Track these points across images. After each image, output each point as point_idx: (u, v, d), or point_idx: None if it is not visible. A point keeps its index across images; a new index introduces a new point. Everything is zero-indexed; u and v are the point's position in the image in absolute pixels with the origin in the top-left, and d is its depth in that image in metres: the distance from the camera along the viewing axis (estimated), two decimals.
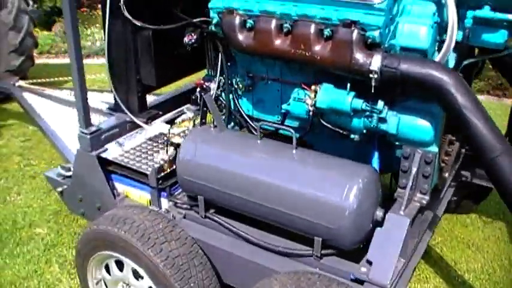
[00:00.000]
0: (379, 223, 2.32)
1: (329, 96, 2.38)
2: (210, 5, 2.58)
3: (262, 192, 2.41)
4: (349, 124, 2.43)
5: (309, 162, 2.43)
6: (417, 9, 2.23)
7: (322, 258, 2.39)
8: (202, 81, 2.92)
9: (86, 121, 2.87)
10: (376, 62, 2.17)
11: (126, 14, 2.77)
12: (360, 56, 2.21)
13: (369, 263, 2.30)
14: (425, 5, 2.22)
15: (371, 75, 2.19)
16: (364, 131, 2.44)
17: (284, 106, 2.64)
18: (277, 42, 2.40)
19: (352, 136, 2.47)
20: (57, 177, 3.17)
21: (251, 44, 2.48)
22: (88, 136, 2.86)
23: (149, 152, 2.99)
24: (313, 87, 2.45)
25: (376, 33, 2.20)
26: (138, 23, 2.83)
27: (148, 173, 2.78)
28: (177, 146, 2.81)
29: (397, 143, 2.43)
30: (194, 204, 2.74)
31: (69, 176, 3.11)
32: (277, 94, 2.79)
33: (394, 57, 2.17)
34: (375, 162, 2.56)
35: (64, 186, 3.13)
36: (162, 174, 2.80)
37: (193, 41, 2.77)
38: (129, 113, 2.99)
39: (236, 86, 2.85)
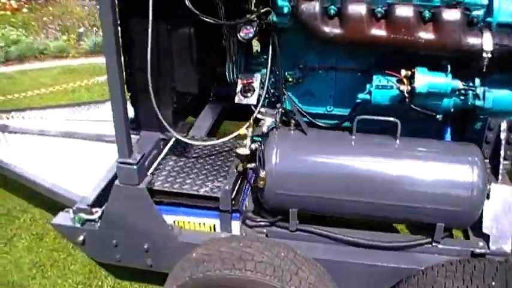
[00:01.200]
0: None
1: (428, 79, 2.30)
2: None
3: (378, 190, 2.27)
4: (440, 105, 2.40)
5: (418, 149, 2.35)
6: None
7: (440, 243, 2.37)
8: (248, 80, 2.58)
9: (128, 149, 2.30)
10: (487, 41, 2.16)
11: (188, 3, 2.22)
12: (469, 37, 2.18)
13: (483, 236, 2.37)
14: None
15: (484, 55, 2.18)
16: (452, 110, 2.44)
17: (361, 95, 2.45)
18: (372, 28, 2.22)
19: (438, 116, 2.45)
20: (73, 223, 2.51)
21: (340, 33, 2.25)
22: (134, 167, 2.31)
23: (200, 171, 2.55)
24: (403, 72, 2.34)
25: (480, 13, 2.19)
26: (211, 19, 2.33)
27: (219, 195, 2.38)
28: (246, 159, 2.45)
29: (482, 116, 2.49)
30: (276, 220, 2.48)
31: (93, 220, 2.50)
32: (330, 83, 2.63)
33: (502, 35, 2.19)
34: (448, 137, 2.59)
35: (84, 233, 2.51)
36: (235, 194, 2.43)
37: (251, 35, 2.39)
38: (172, 131, 2.46)
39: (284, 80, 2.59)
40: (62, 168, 2.94)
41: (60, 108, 3.77)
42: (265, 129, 2.40)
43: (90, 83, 4.14)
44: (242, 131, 2.51)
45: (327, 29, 2.25)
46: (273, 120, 2.45)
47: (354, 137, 2.36)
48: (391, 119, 2.33)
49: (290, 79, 2.60)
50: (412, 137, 2.42)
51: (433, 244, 2.37)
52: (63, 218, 2.55)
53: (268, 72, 2.55)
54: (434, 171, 2.26)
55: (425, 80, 2.30)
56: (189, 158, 2.67)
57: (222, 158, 2.69)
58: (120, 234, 2.48)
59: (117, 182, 2.39)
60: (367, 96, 2.45)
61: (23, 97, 4.04)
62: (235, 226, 2.48)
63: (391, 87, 2.39)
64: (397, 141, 2.34)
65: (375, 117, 2.35)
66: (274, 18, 2.35)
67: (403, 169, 2.28)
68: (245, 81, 2.58)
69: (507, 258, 2.27)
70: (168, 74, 2.52)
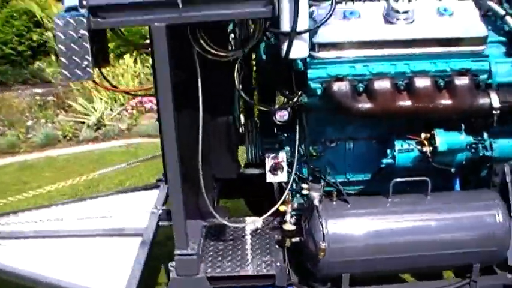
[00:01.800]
0: None
1: (447, 138, 2.58)
2: (310, 76, 2.46)
3: (424, 243, 2.50)
4: (455, 159, 2.68)
5: (449, 202, 2.61)
6: (501, 50, 2.65)
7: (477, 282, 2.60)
8: (276, 159, 2.71)
9: (187, 240, 2.32)
10: (495, 100, 2.50)
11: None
12: (480, 98, 2.50)
13: (509, 269, 2.64)
14: (505, 46, 2.66)
15: (494, 112, 2.51)
16: (464, 162, 2.73)
17: (385, 160, 2.67)
18: (397, 100, 2.48)
19: (452, 169, 2.73)
20: None
21: (370, 107, 2.47)
22: (194, 257, 2.33)
23: (244, 251, 2.61)
24: (423, 135, 2.61)
25: (485, 76, 2.53)
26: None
27: (274, 273, 2.45)
28: (291, 234, 2.56)
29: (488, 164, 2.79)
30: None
31: None
32: (347, 153, 2.83)
33: (505, 93, 2.53)
34: (458, 185, 2.87)
35: None
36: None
37: (285, 117, 2.56)
38: (219, 217, 2.50)
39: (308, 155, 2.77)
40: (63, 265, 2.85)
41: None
42: (316, 202, 2.52)
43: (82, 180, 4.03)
44: (282, 207, 2.63)
45: (358, 105, 2.47)
46: (320, 194, 2.58)
47: (391, 199, 2.57)
48: (424, 178, 2.57)
49: (314, 153, 2.78)
50: (438, 192, 2.67)
51: (471, 283, 2.60)
52: None
53: (296, 151, 2.70)
54: (467, 219, 2.54)
55: (444, 139, 2.58)
56: (227, 239, 2.72)
57: (258, 235, 2.77)
58: None
59: (174, 275, 2.38)
60: (391, 161, 2.67)
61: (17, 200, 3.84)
62: None
63: (413, 149, 2.65)
64: (428, 197, 2.59)
65: (409, 179, 2.59)
66: (305, 100, 2.55)
67: (442, 221, 2.53)
68: (274, 161, 2.71)
69: None
70: (208, 162, 2.60)
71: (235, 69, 2.44)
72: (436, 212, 2.55)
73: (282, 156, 2.74)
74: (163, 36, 2.04)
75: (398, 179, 2.57)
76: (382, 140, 2.76)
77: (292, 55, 2.28)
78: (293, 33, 2.19)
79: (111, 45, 5.76)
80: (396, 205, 2.56)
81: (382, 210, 2.56)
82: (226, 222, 2.59)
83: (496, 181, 2.78)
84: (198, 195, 2.59)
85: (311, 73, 2.46)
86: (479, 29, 2.46)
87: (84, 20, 2.03)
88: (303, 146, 2.72)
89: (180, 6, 1.97)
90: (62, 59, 2.07)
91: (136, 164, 4.35)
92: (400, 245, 2.48)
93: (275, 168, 2.72)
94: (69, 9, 2.09)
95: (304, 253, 2.58)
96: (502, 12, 2.64)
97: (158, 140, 2.62)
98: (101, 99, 6.73)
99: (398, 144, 2.67)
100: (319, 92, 2.49)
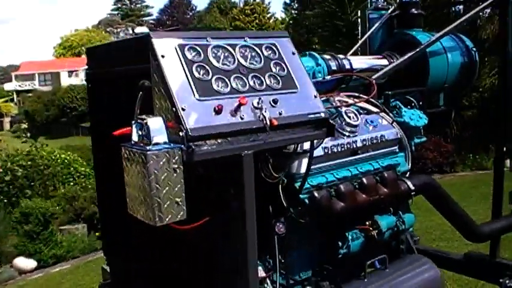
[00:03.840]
0: None
1: (387, 222, 3.20)
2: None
3: None
4: (389, 236, 3.31)
5: (405, 270, 3.21)
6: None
7: None
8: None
9: None
10: (410, 184, 3.27)
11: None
12: (402, 185, 3.23)
13: None
14: None
15: (412, 193, 3.26)
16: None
17: (342, 251, 3.08)
18: (358, 197, 2.98)
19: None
20: None
21: (343, 207, 2.89)
22: None
23: None
24: (367, 223, 3.16)
25: (403, 168, 3.30)
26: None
27: None
28: None
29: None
30: None
31: None
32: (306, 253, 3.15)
33: (413, 178, 3.33)
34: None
35: None
36: None
37: (283, 230, 2.71)
38: None
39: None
40: None
41: None
42: None
43: None
44: None
45: (336, 206, 2.87)
46: None
47: (369, 279, 3.04)
48: (382, 256, 3.11)
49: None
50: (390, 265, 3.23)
51: None
52: None
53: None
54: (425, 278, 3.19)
55: (384, 222, 3.20)
56: None
57: None
58: None
59: None
60: (346, 250, 3.12)
61: None
62: None
63: (359, 237, 3.16)
64: (387, 270, 3.15)
65: (375, 259, 3.08)
66: (291, 210, 2.80)
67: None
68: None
69: None
70: None
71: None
72: (401, 279, 3.12)
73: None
74: (251, 164, 2.07)
75: (371, 260, 3.06)
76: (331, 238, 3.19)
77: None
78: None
79: None
80: (376, 281, 3.04)
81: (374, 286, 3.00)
82: None
83: (403, 247, 3.52)
84: None
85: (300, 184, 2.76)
86: (393, 133, 3.25)
87: (180, 153, 1.90)
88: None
89: (268, 131, 2.08)
90: (155, 198, 1.84)
91: None
92: None
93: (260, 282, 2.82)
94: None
95: None
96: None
97: None
98: None
99: (349, 236, 3.15)
100: (307, 201, 2.80)
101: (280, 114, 2.15)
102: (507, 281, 3.81)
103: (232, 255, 2.46)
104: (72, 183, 10.98)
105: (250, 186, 2.10)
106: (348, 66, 3.62)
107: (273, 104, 2.14)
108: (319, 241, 3.14)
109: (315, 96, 2.38)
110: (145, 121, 1.94)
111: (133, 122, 2.01)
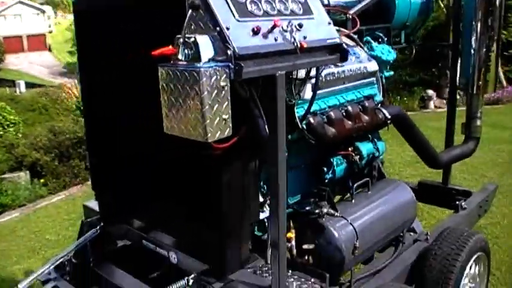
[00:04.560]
0: None
1: (366, 148, 3.43)
2: (298, 115, 2.87)
3: (388, 221, 3.38)
4: (368, 161, 3.55)
5: (384, 191, 3.50)
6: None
7: None
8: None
9: None
10: (387, 113, 3.50)
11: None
12: (380, 114, 3.45)
13: None
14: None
15: (388, 122, 3.50)
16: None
17: (328, 175, 3.29)
18: (345, 124, 3.17)
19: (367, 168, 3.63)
20: None
21: (334, 133, 3.06)
22: None
23: None
24: (350, 149, 3.37)
25: (378, 98, 3.50)
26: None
27: None
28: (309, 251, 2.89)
29: None
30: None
31: None
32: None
33: (389, 108, 3.55)
34: None
35: None
36: None
37: None
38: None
39: None
40: None
41: None
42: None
43: None
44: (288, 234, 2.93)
45: (328, 132, 3.04)
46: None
47: (356, 200, 3.29)
48: (365, 179, 3.37)
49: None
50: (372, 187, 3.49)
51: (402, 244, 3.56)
52: None
53: None
54: (400, 200, 3.49)
55: (365, 148, 3.43)
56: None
57: None
58: None
59: None
60: (332, 175, 3.33)
61: None
62: None
63: (342, 163, 3.38)
64: (369, 192, 3.42)
65: (360, 182, 3.33)
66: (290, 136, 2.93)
67: (390, 204, 3.42)
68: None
69: None
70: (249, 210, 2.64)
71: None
72: (384, 199, 3.40)
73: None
74: (283, 83, 2.15)
75: (359, 182, 3.30)
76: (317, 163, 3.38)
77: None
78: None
79: None
80: (364, 201, 3.30)
81: (361, 207, 3.25)
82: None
83: (375, 173, 3.79)
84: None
85: (298, 112, 2.89)
86: (373, 66, 3.44)
87: (228, 71, 1.94)
88: None
89: (298, 53, 2.17)
90: (207, 115, 1.88)
91: None
92: (381, 226, 3.24)
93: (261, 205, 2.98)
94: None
95: (324, 263, 2.95)
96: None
97: None
98: None
99: (334, 162, 3.36)
100: (305, 127, 2.94)
101: (304, 38, 2.24)
102: (462, 203, 4.22)
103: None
104: (1, 132, 10.49)
105: (282, 104, 2.20)
106: (325, 1, 3.72)
107: (298, 28, 2.22)
108: (306, 167, 3.33)
109: (329, 23, 2.48)
110: (192, 39, 1.95)
111: (179, 41, 2.01)
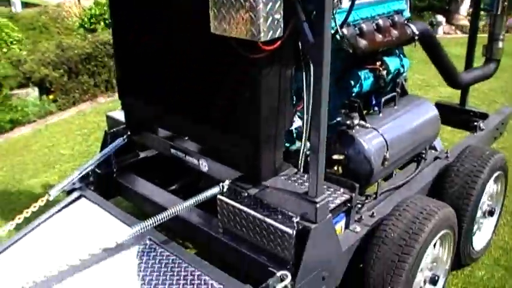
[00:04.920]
0: None
1: (393, 63, 3.40)
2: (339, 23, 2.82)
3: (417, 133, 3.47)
4: (392, 77, 3.54)
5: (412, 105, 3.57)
6: None
7: None
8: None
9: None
10: (415, 30, 3.44)
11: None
12: (409, 29, 3.40)
13: None
14: None
15: (416, 38, 3.45)
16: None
17: (355, 89, 3.29)
18: (377, 37, 3.12)
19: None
20: None
21: (365, 45, 3.03)
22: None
23: None
24: (378, 63, 3.34)
25: (406, 14, 3.43)
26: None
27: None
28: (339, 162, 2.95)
29: None
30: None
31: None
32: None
33: (417, 24, 3.49)
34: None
35: None
36: None
37: None
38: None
39: None
40: None
41: None
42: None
43: None
44: None
45: (361, 43, 3.01)
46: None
47: (385, 113, 3.36)
48: (393, 94, 3.41)
49: None
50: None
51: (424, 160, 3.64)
52: None
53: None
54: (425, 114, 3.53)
55: (392, 63, 3.41)
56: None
57: None
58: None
59: (311, 225, 2.46)
60: (358, 89, 3.32)
61: None
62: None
63: (369, 77, 3.36)
64: (396, 107, 3.45)
65: (387, 96, 3.35)
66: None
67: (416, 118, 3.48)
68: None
69: None
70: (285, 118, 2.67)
71: None
72: (410, 115, 3.46)
73: None
74: None
75: (387, 97, 3.33)
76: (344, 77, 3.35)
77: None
78: None
79: None
80: (391, 115, 3.34)
81: (390, 120, 3.30)
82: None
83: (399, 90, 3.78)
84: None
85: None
86: None
87: None
88: None
89: None
90: (261, 12, 1.83)
91: None
92: (408, 140, 3.31)
93: None
94: None
95: (352, 174, 3.01)
96: None
97: None
98: None
99: (362, 75, 3.34)
100: (337, 37, 2.89)
101: None
102: (481, 124, 4.25)
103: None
104: (5, 50, 10.27)
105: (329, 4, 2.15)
106: None
107: None
108: (334, 80, 3.30)
109: None
110: None
111: None
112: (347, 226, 2.93)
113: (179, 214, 2.67)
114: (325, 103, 2.33)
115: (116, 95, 7.77)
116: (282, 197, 2.56)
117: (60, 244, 2.88)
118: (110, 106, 7.37)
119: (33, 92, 7.58)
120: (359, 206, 3.04)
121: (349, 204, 2.82)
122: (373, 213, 3.08)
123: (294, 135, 3.01)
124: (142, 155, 3.81)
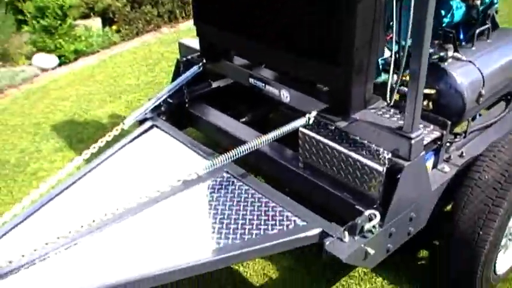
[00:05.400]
0: None
1: None
2: None
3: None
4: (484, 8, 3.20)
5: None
6: None
7: None
8: None
9: None
10: None
11: None
12: None
13: None
14: None
15: None
16: None
17: (445, 19, 2.98)
18: None
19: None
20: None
21: None
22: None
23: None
24: None
25: None
26: None
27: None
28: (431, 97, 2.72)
29: None
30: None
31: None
32: None
33: None
34: None
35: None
36: None
37: None
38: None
39: None
40: None
41: None
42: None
43: None
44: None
45: None
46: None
47: (477, 46, 3.06)
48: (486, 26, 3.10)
49: None
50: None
51: None
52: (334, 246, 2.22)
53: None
54: None
55: None
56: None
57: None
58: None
59: (404, 163, 2.30)
60: (450, 19, 3.01)
61: None
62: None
63: (461, 7, 3.04)
64: (489, 40, 3.16)
65: (481, 28, 3.08)
66: None
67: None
68: None
69: None
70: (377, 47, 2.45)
71: None
72: (505, 49, 3.14)
73: None
74: None
75: (480, 28, 3.05)
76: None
77: None
78: None
79: None
80: (485, 48, 3.05)
81: (484, 53, 3.00)
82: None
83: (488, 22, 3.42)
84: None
85: None
86: None
87: None
88: None
89: None
90: None
91: None
92: (502, 76, 3.03)
93: None
94: None
95: (443, 110, 2.78)
96: None
97: None
98: None
99: (454, 5, 3.02)
100: None
101: None
102: None
103: None
104: None
105: None
106: None
107: None
108: None
109: None
110: None
111: None
112: (435, 165, 2.75)
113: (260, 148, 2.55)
114: (429, 30, 2.08)
115: (180, 25, 7.77)
116: (372, 131, 2.38)
117: (135, 175, 2.85)
118: (175, 36, 7.25)
119: (96, 23, 7.55)
120: (448, 144, 2.83)
121: (439, 142, 2.62)
122: (462, 152, 2.88)
123: (380, 66, 2.79)
124: (214, 84, 3.68)
